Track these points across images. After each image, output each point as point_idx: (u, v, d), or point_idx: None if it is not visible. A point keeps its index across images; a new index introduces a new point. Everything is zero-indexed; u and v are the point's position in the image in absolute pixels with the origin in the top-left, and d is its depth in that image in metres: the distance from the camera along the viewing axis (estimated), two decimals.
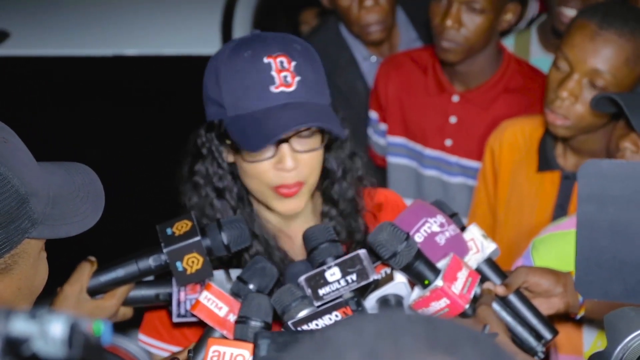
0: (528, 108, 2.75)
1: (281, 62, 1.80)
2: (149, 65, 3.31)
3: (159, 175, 3.23)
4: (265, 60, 1.79)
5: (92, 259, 1.82)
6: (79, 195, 1.45)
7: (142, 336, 1.96)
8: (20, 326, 0.87)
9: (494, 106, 2.83)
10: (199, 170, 1.92)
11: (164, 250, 1.72)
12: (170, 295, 1.81)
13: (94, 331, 0.91)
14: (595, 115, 2.26)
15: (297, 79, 1.80)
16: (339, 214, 1.97)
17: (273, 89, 1.78)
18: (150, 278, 1.86)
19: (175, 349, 1.89)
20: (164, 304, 1.85)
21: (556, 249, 2.09)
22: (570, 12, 2.90)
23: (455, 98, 2.87)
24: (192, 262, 1.72)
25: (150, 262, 1.76)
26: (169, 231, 1.74)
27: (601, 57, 2.22)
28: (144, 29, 3.40)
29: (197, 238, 1.72)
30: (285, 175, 1.81)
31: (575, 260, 1.65)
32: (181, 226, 1.74)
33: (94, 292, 1.79)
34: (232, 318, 1.70)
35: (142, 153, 3.27)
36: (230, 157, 1.89)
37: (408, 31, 3.20)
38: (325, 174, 1.94)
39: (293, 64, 1.80)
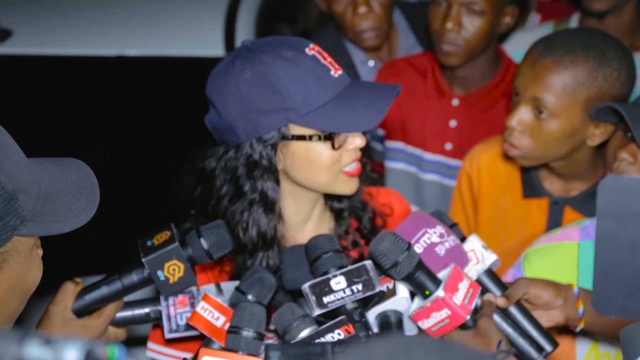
0: None
1: (319, 51, 1.84)
2: (151, 66, 3.31)
3: (160, 176, 3.23)
4: (309, 52, 1.83)
5: (78, 280, 1.79)
6: (72, 192, 1.42)
7: (151, 344, 1.95)
8: (34, 352, 0.85)
9: (494, 109, 2.84)
10: (249, 187, 1.88)
11: (143, 260, 1.70)
12: (161, 312, 1.79)
13: (109, 356, 0.90)
14: (551, 146, 2.22)
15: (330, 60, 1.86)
16: (348, 207, 2.00)
17: (333, 74, 1.83)
18: (141, 298, 1.84)
19: (185, 354, 1.88)
20: (156, 322, 1.83)
21: (548, 260, 2.08)
22: None
23: (455, 102, 2.88)
24: (174, 270, 1.70)
25: (134, 276, 1.74)
26: (148, 243, 1.72)
27: (540, 85, 2.18)
28: (146, 29, 3.40)
29: (175, 244, 1.70)
30: (353, 155, 1.87)
31: (593, 276, 1.63)
32: (160, 237, 1.73)
33: (80, 312, 1.76)
34: None
35: (143, 154, 3.26)
36: (280, 164, 1.87)
37: (408, 37, 3.20)
38: None
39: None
